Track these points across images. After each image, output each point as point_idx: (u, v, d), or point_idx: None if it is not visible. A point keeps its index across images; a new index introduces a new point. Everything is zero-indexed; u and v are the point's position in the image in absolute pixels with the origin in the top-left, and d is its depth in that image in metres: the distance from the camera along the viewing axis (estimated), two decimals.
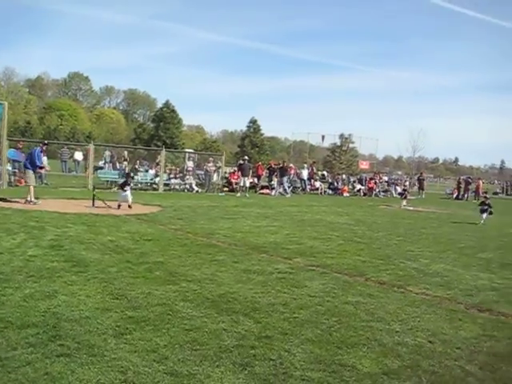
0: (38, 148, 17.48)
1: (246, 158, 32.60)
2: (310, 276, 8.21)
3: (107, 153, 33.20)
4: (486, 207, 17.98)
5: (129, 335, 4.99)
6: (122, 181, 17.87)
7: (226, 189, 29.49)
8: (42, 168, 18.00)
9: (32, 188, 16.35)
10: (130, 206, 16.29)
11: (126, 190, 16.42)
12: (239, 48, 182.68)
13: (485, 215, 17.12)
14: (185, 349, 4.75)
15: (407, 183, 42.81)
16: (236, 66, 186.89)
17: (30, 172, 16.77)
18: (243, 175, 28.26)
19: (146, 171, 28.46)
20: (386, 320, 6.10)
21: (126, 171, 25.35)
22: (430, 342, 5.44)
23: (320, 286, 7.59)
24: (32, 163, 16.75)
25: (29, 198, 16.04)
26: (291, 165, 34.74)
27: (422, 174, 46.44)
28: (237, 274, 7.97)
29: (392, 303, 6.89)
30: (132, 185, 17.76)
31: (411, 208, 25.58)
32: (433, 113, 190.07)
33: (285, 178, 30.57)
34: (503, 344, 5.55)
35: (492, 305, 7.16)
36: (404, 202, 26.47)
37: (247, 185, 28.53)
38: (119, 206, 16.23)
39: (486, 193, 17.52)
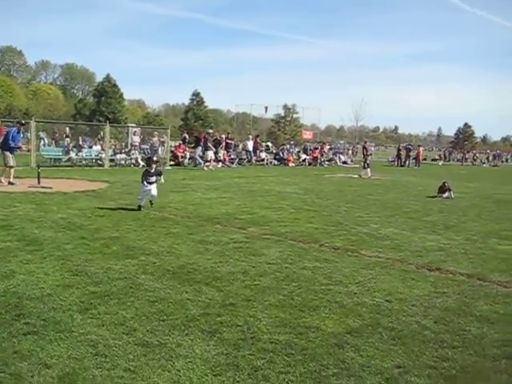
0: (15, 128, 17.09)
1: (211, 131, 32.45)
2: (266, 244, 8.34)
3: (42, 134, 32.27)
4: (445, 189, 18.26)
5: (94, 310, 4.98)
6: (143, 167, 14.96)
7: (172, 162, 29.24)
8: (19, 148, 17.70)
9: (12, 170, 16.15)
10: None
11: (150, 183, 11.65)
12: (179, 20, 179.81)
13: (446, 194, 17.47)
14: (152, 320, 4.79)
15: (370, 152, 43.47)
16: (176, 38, 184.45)
17: (7, 153, 16.31)
18: (208, 149, 28.19)
19: (90, 147, 27.86)
20: (343, 283, 6.31)
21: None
22: (387, 301, 5.68)
23: (277, 253, 7.75)
24: (7, 144, 16.37)
25: (11, 180, 15.81)
26: (223, 135, 34.07)
27: (366, 142, 47.30)
28: (194, 246, 8.02)
29: (348, 267, 7.12)
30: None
31: (367, 176, 25.91)
32: (373, 82, 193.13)
33: (199, 149, 29.45)
34: (453, 299, 5.84)
35: (440, 264, 7.50)
36: (366, 172, 26.68)
37: (213, 157, 28.51)
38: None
39: (446, 185, 17.74)
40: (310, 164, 37.70)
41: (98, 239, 8.13)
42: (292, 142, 54.09)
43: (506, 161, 69.89)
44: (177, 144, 32.27)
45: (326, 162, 39.75)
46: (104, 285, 5.80)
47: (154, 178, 11.73)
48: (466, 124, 59.02)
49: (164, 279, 6.13)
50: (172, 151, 30.87)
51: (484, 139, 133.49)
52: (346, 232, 9.79)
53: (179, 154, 30.00)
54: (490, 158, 61.95)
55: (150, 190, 11.60)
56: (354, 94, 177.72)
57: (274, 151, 42.15)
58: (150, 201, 11.83)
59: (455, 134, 59.80)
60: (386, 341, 4.51)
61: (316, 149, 40.50)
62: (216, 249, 7.88)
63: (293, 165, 36.38)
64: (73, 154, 26.39)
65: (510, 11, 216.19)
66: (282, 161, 36.89)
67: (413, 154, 45.20)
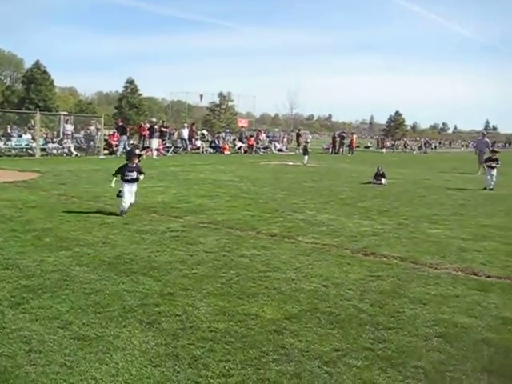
0: None
1: (154, 119, 31.93)
2: (203, 233, 8.29)
3: None
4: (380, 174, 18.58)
5: (27, 304, 4.80)
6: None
7: (105, 151, 28.58)
8: None
9: None
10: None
11: (129, 181, 9.68)
12: (110, 5, 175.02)
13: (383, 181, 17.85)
14: (88, 312, 4.67)
15: (308, 139, 43.91)
16: (109, 23, 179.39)
17: None
18: (152, 137, 27.98)
19: (20, 136, 26.81)
20: (281, 269, 6.36)
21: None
22: (324, 286, 5.76)
23: (214, 241, 7.71)
24: None
25: None
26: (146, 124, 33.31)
27: (299, 130, 47.84)
28: (129, 235, 7.88)
29: (285, 253, 7.18)
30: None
31: (303, 163, 26.20)
32: (308, 71, 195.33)
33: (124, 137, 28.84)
34: (388, 282, 6.00)
35: (375, 248, 7.69)
36: (304, 158, 26.94)
37: (156, 146, 28.36)
38: None
39: (381, 170, 18.16)
40: (245, 152, 37.74)
41: (29, 231, 7.84)
42: (228, 130, 54.00)
43: (435, 148, 72.39)
44: (111, 133, 31.45)
45: (262, 150, 39.94)
46: (37, 278, 5.60)
47: (134, 174, 9.67)
48: (397, 112, 60.77)
49: (100, 270, 5.98)
50: (106, 140, 30.13)
51: (414, 127, 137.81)
52: (282, 219, 9.87)
53: (113, 143, 29.33)
54: (422, 145, 63.97)
55: (124, 195, 9.44)
56: (289, 82, 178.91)
57: (210, 139, 41.93)
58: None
59: (387, 122, 61.38)
60: (324, 325, 4.58)
61: (251, 136, 40.60)
62: (152, 238, 7.76)
63: (228, 153, 36.32)
64: (1, 144, 25.34)
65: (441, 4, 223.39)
66: (218, 149, 36.75)
67: (346, 141, 46.07)
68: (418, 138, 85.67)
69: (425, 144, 65.50)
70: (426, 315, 4.95)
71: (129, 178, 9.61)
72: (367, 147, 61.24)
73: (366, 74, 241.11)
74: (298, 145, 43.02)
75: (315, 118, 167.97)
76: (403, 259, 7.13)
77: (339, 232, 8.77)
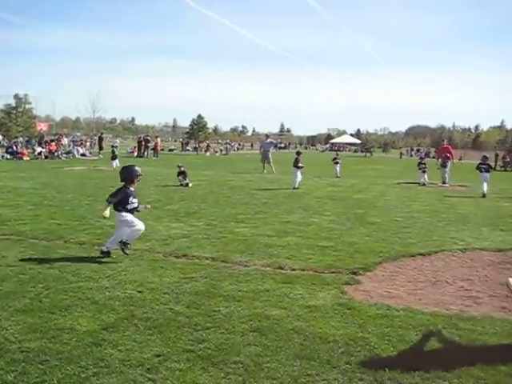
0: None
1: None
2: (5, 246, 7.69)
3: None
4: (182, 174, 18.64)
5: None
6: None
7: None
8: None
9: None
10: None
11: (133, 211, 7.42)
12: None
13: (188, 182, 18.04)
14: None
15: (116, 143, 42.45)
16: None
17: None
18: None
19: None
20: (93, 278, 6.14)
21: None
22: (140, 291, 5.70)
23: (18, 254, 7.18)
24: None
25: None
26: None
27: (102, 133, 46.59)
28: None
29: (96, 261, 6.95)
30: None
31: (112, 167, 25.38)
32: (111, 74, 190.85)
33: None
34: (201, 283, 6.12)
35: (186, 250, 7.80)
36: (114, 163, 25.91)
37: None
38: None
39: (182, 168, 18.32)
40: (46, 157, 35.63)
41: None
42: (26, 135, 50.58)
43: (236, 150, 75.45)
44: None
45: (64, 155, 38.06)
46: None
47: (136, 202, 7.41)
48: (199, 115, 62.04)
49: None
50: None
51: (215, 129, 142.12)
52: (90, 226, 9.54)
53: None
54: (223, 148, 66.11)
55: (134, 223, 7.27)
56: (91, 85, 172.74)
57: (6, 144, 38.86)
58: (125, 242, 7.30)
59: (190, 125, 62.42)
60: (143, 332, 4.53)
61: (52, 141, 38.51)
62: None
63: (27, 158, 34.00)
64: None
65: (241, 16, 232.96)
66: (16, 154, 34.22)
67: (151, 144, 45.90)
68: (220, 141, 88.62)
69: (226, 148, 67.83)
70: (241, 311, 5.15)
71: (133, 206, 7.34)
72: (171, 150, 61.71)
73: (168, 77, 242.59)
74: (101, 149, 41.76)
75: (118, 122, 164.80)
76: (214, 259, 7.33)
77: (150, 236, 8.71)
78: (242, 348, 4.25)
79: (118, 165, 25.51)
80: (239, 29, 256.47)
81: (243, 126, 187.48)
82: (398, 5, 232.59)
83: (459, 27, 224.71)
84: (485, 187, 18.23)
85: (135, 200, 7.34)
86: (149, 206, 7.91)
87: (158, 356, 4.03)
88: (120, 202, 7.20)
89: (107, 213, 7.21)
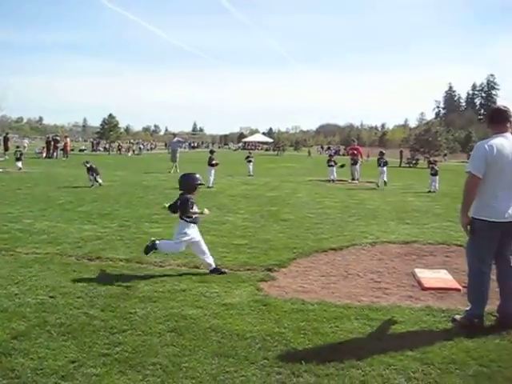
0: None
1: None
2: None
3: None
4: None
5: None
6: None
7: None
8: None
9: None
10: None
11: (194, 221, 6.90)
12: None
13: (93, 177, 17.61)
14: None
15: (25, 143, 40.40)
16: None
17: None
18: None
19: None
20: (2, 285, 5.89)
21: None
22: (52, 297, 5.52)
23: None
24: None
25: None
26: None
27: (7, 133, 44.55)
28: None
29: (4, 267, 6.67)
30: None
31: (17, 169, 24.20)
32: (17, 71, 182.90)
33: None
34: (116, 285, 6.02)
35: (100, 252, 7.64)
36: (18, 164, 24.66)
37: None
38: None
39: (88, 164, 17.87)
40: None
41: None
42: None
43: (148, 150, 74.35)
44: None
45: None
46: None
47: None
48: (110, 115, 60.42)
49: None
50: None
51: (127, 129, 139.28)
52: None
53: None
54: (135, 148, 64.85)
55: (194, 237, 6.79)
56: None
57: None
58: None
59: (101, 125, 60.69)
60: (57, 338, 4.40)
61: None
62: None
63: None
64: None
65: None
66: None
67: (60, 145, 44.43)
68: (132, 141, 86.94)
69: (140, 148, 66.58)
70: (157, 312, 5.12)
71: (195, 214, 6.86)
72: (82, 150, 59.95)
73: (79, 75, 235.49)
74: (6, 150, 39.82)
75: (25, 121, 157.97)
76: (129, 260, 7.23)
77: (61, 239, 8.47)
78: (160, 349, 4.23)
79: (20, 166, 24.48)
80: (152, 28, 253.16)
81: (155, 126, 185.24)
82: (307, 6, 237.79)
83: (365, 29, 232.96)
84: (384, 177, 21.43)
85: (196, 209, 6.89)
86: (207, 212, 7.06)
87: (73, 362, 3.93)
88: (186, 212, 6.73)
89: (207, 211, 6.93)
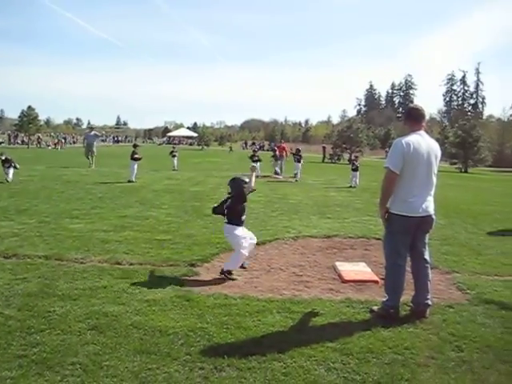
0: None
1: None
2: None
3: None
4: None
5: None
6: None
7: None
8: None
9: None
10: None
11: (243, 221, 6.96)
12: None
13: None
14: None
15: None
16: None
17: None
18: None
19: None
20: None
21: None
22: None
23: None
24: None
25: None
26: None
27: None
28: None
29: None
30: None
31: None
32: None
33: None
34: (34, 283, 5.83)
35: (17, 249, 7.38)
36: None
37: None
38: None
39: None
40: None
41: None
42: None
43: (73, 143, 72.27)
44: None
45: None
46: None
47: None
48: (29, 107, 57.94)
49: None
50: None
51: (48, 122, 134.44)
52: None
53: None
54: (50, 142, 62.69)
55: (247, 235, 6.87)
56: None
57: None
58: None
59: (19, 117, 58.09)
60: None
61: None
62: None
63: None
64: None
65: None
66: None
67: None
68: (52, 134, 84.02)
69: (61, 141, 64.45)
70: (78, 310, 5.00)
71: (244, 217, 6.91)
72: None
73: None
74: None
75: None
76: (48, 257, 7.01)
77: None
78: (80, 348, 4.13)
79: None
80: (79, 21, 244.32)
81: (78, 119, 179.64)
82: (234, 4, 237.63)
83: (290, 27, 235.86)
84: (298, 173, 23.09)
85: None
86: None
87: None
88: (239, 215, 6.71)
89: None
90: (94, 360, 3.91)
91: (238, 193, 6.74)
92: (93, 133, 27.62)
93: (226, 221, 6.73)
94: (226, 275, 6.42)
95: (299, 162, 23.52)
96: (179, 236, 8.79)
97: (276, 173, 24.51)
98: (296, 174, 23.06)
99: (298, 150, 24.49)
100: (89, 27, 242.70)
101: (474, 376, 3.93)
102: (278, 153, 25.85)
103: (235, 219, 6.68)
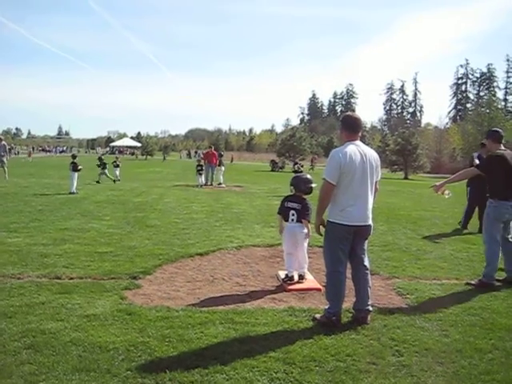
0: None
1: None
2: None
3: None
4: None
5: None
6: None
7: None
8: None
9: None
10: None
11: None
12: None
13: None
14: None
15: None
16: None
17: None
18: None
19: None
20: None
21: None
22: None
23: None
24: None
25: None
26: None
27: None
28: None
29: None
30: None
31: None
32: None
33: None
34: None
35: None
36: None
37: None
38: None
39: None
40: None
41: None
42: None
43: (18, 153, 70.21)
44: None
45: None
46: None
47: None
48: None
49: None
50: None
51: None
52: None
53: None
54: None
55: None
56: None
57: None
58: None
59: None
60: None
61: None
62: None
63: None
64: None
65: None
66: None
67: None
68: None
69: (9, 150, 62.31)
70: (13, 328, 4.82)
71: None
72: None
73: None
74: None
75: None
76: None
77: None
78: (15, 368, 3.97)
79: None
80: (18, 28, 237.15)
81: (17, 129, 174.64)
82: (178, 15, 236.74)
83: (232, 37, 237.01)
84: (221, 179, 24.78)
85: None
86: None
87: None
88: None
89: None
90: (30, 381, 3.77)
91: (303, 190, 6.99)
92: (3, 143, 26.07)
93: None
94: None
95: (221, 165, 25.12)
96: (121, 248, 8.63)
97: (219, 182, 24.44)
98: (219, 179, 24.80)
99: (221, 155, 26.12)
100: (34, 38, 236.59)
101: (413, 379, 4.02)
102: (206, 161, 24.91)
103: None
